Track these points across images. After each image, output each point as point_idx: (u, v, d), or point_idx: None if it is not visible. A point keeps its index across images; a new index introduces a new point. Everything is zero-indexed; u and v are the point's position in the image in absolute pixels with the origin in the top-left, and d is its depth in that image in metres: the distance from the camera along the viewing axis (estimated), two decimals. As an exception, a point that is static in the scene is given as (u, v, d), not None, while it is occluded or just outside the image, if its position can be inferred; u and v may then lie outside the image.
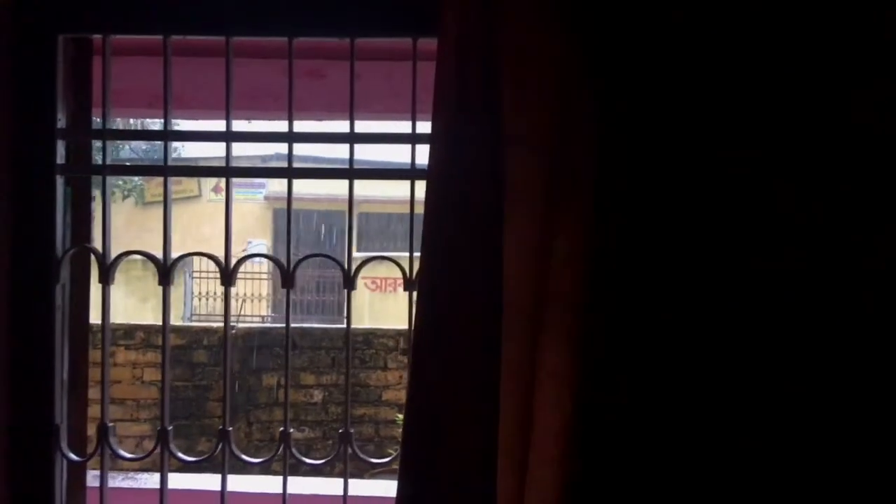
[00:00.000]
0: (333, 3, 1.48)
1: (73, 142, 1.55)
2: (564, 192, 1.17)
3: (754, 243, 1.15)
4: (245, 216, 13.66)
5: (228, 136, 1.55)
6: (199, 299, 11.56)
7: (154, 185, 13.71)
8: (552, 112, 1.17)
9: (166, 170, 1.55)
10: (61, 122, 1.52)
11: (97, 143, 1.59)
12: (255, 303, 11.90)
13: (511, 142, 1.21)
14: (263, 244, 13.93)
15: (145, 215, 12.13)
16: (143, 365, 6.09)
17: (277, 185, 13.35)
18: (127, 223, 12.56)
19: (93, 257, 1.56)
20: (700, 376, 1.16)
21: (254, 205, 13.99)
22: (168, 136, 1.55)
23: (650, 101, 1.15)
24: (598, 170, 1.15)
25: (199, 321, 10.67)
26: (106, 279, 1.54)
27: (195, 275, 11.26)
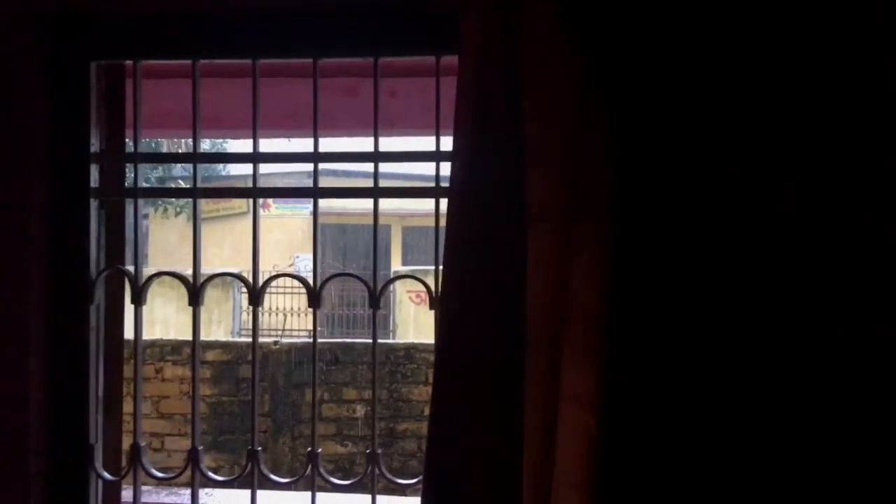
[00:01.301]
0: (357, 24, 1.48)
1: (107, 165, 1.59)
2: (586, 206, 1.15)
3: (774, 247, 1.13)
4: (293, 231, 13.86)
5: (255, 157, 1.56)
6: (248, 313, 11.74)
7: (205, 202, 14.02)
8: (572, 125, 1.16)
9: (195, 192, 1.58)
10: (94, 147, 1.55)
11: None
12: (301, 317, 12.03)
13: (531, 155, 1.19)
14: (311, 259, 14.07)
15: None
16: (190, 380, 6.14)
17: (323, 201, 13.52)
18: (181, 239, 12.83)
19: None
20: (727, 391, 1.13)
21: (301, 220, 14.18)
22: (197, 158, 1.57)
23: (665, 109, 1.14)
24: (618, 180, 1.13)
25: (248, 335, 10.82)
26: (138, 300, 1.56)
27: (243, 290, 11.43)
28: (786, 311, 1.13)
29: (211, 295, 10.36)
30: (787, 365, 1.13)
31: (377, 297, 1.53)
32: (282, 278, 1.70)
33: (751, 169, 1.14)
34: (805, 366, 1.13)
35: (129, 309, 1.60)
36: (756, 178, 1.14)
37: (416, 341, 7.01)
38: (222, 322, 10.82)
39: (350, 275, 1.61)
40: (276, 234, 13.89)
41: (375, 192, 1.53)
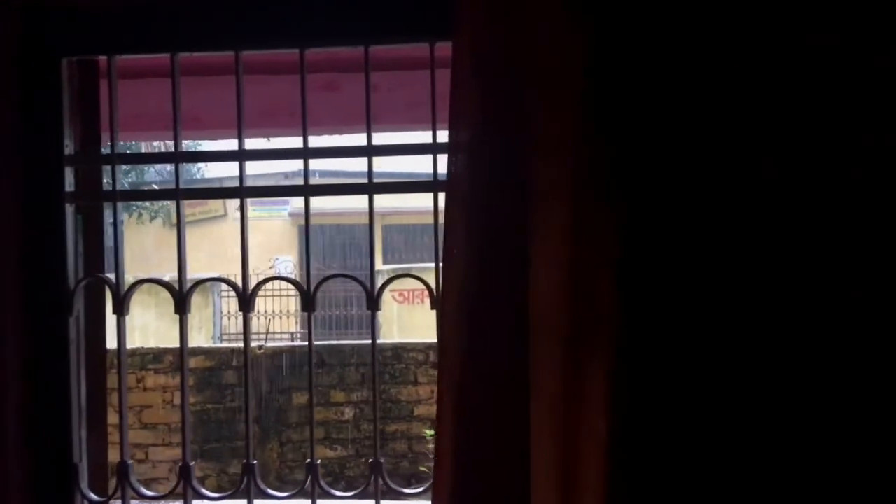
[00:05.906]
0: (345, 12, 1.41)
1: (83, 168, 1.50)
2: (596, 200, 1.09)
3: (791, 246, 1.08)
4: (270, 233, 13.71)
5: (242, 155, 1.49)
6: (229, 318, 11.57)
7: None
8: (580, 114, 1.10)
9: (178, 193, 1.49)
10: (69, 149, 1.46)
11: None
12: (283, 320, 11.88)
13: (536, 148, 1.13)
14: (290, 261, 13.95)
15: (174, 236, 12.16)
16: (173, 389, 6.05)
17: (301, 202, 13.38)
18: (157, 244, 12.62)
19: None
20: (746, 391, 1.08)
21: (279, 221, 14.03)
22: (179, 157, 1.49)
23: (681, 102, 1.08)
24: (631, 174, 1.07)
25: (230, 340, 10.66)
26: (120, 310, 1.48)
27: (223, 294, 11.27)
28: (802, 315, 1.08)
29: (191, 300, 10.17)
30: (802, 364, 1.09)
31: (375, 298, 1.45)
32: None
33: (768, 156, 1.09)
34: (819, 360, 1.08)
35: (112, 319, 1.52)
36: (775, 164, 1.09)
37: (403, 341, 6.94)
38: (203, 328, 10.66)
39: (347, 276, 1.54)
40: (254, 237, 13.73)
41: (370, 188, 1.45)
